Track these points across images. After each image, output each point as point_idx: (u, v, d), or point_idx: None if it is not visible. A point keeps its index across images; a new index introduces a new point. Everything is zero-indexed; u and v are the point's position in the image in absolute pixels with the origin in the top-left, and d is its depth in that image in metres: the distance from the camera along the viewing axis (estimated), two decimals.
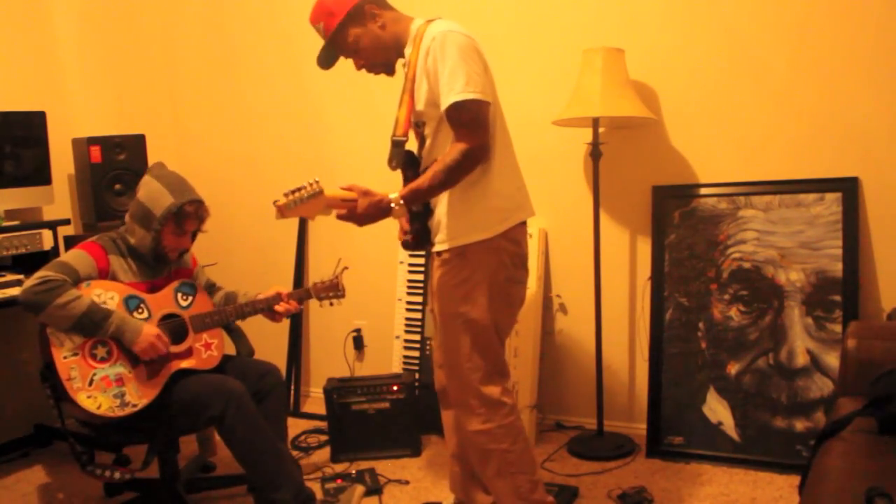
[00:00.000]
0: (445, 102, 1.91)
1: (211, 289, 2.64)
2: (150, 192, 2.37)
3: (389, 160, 2.07)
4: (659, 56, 2.90)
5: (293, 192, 1.85)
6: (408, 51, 2.06)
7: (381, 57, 2.09)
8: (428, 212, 2.12)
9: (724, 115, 2.84)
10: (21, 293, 2.20)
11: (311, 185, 1.85)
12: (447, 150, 1.95)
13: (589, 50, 2.76)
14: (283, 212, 1.86)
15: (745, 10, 2.76)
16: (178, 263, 2.53)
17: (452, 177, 1.94)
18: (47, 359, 2.20)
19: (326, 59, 2.16)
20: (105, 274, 2.33)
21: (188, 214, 2.37)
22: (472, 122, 1.91)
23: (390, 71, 2.14)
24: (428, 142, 2.08)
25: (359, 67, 2.13)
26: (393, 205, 1.95)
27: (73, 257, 2.30)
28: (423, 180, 1.94)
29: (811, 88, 2.70)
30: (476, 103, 1.91)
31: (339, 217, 1.97)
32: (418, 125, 2.09)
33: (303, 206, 1.87)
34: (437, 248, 2.08)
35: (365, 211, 1.96)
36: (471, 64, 1.92)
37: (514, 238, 2.07)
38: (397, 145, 2.06)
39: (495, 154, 2.04)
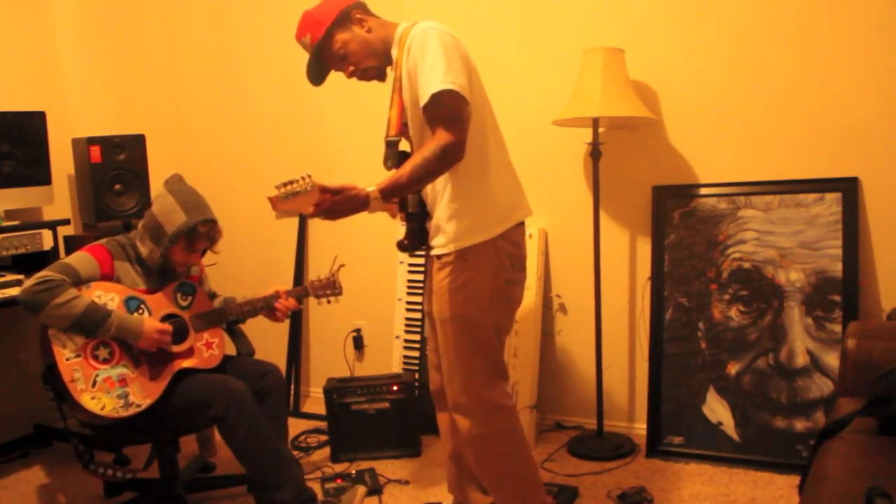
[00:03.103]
0: (425, 95, 1.88)
1: (210, 297, 2.64)
2: (164, 206, 2.36)
3: (385, 160, 2.07)
4: (659, 56, 2.90)
5: (284, 184, 1.83)
6: (394, 52, 2.06)
7: (371, 61, 2.08)
8: (425, 214, 2.12)
9: (724, 115, 2.84)
10: (20, 293, 2.21)
11: (303, 178, 1.84)
12: (426, 143, 1.93)
13: (589, 50, 2.76)
14: (274, 204, 1.84)
15: (745, 10, 2.76)
16: (186, 273, 2.53)
17: (430, 172, 1.91)
18: (49, 361, 2.20)
19: (316, 74, 2.15)
20: (109, 279, 2.33)
21: (200, 235, 2.37)
22: (450, 117, 1.88)
23: (381, 76, 2.14)
24: (414, 142, 2.08)
25: (349, 75, 2.12)
26: (371, 197, 1.90)
27: (77, 259, 2.30)
28: (401, 174, 1.90)
29: (811, 88, 2.70)
30: (454, 96, 1.87)
31: (310, 215, 1.90)
32: (405, 125, 2.09)
33: (295, 200, 1.84)
34: (436, 251, 2.07)
35: (336, 205, 1.89)
36: (451, 59, 1.90)
37: (513, 239, 2.07)
38: (391, 145, 2.06)
39: (491, 156, 2.04)
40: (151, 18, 3.89)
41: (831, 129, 2.69)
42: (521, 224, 2.11)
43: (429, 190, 2.08)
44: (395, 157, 2.06)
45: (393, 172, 1.96)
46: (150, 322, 2.29)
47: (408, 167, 1.90)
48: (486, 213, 2.02)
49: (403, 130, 2.08)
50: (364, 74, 2.11)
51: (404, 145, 2.09)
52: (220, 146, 3.87)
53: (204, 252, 2.48)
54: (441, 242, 2.05)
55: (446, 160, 1.90)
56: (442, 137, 1.88)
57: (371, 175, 2.05)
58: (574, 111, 2.73)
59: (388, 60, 2.10)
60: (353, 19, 2.07)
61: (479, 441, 2.07)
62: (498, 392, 2.07)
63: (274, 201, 1.83)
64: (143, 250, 2.40)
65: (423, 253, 2.21)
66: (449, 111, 1.88)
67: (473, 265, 2.01)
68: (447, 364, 2.09)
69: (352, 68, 2.10)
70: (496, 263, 2.03)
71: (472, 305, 2.02)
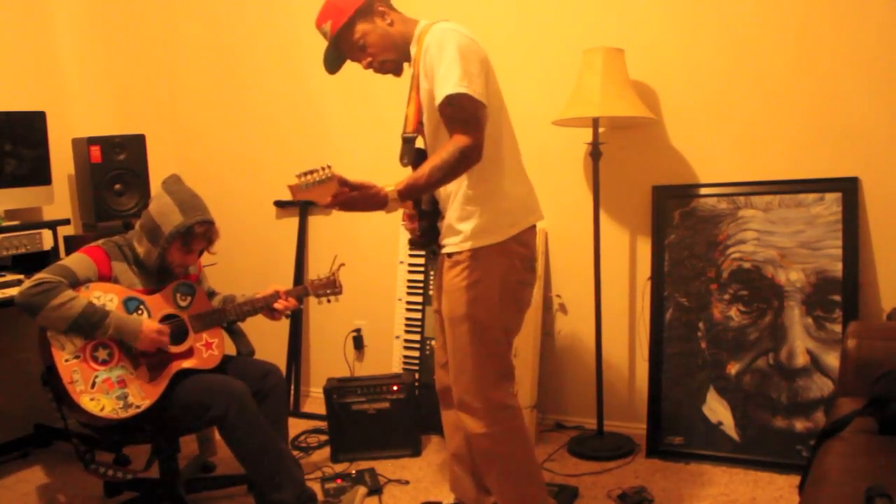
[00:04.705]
0: (440, 96, 1.90)
1: (210, 295, 2.64)
2: (161, 207, 2.36)
3: (401, 157, 2.07)
4: (659, 56, 2.90)
5: (305, 174, 1.86)
6: (413, 50, 2.06)
7: (390, 54, 2.08)
8: (437, 212, 2.12)
9: (724, 115, 2.84)
10: (17, 295, 2.20)
11: (323, 169, 1.86)
12: (443, 145, 1.93)
13: (589, 50, 2.76)
14: (294, 192, 1.87)
15: (745, 10, 2.76)
16: (184, 272, 2.53)
17: (448, 174, 1.92)
18: (48, 362, 2.20)
19: (333, 62, 2.15)
20: (106, 280, 2.33)
21: (197, 235, 2.36)
22: (468, 120, 1.89)
23: (398, 70, 2.13)
24: (428, 141, 2.08)
25: (366, 66, 2.11)
26: (390, 198, 1.93)
27: (74, 261, 2.30)
28: (419, 175, 1.92)
29: (811, 88, 2.70)
30: (470, 100, 1.88)
31: (327, 205, 1.92)
32: (422, 124, 2.09)
33: (314, 190, 1.87)
34: (448, 249, 2.07)
35: (354, 200, 1.93)
36: (468, 62, 1.90)
37: (525, 241, 2.07)
38: (407, 142, 2.07)
39: (505, 158, 2.05)
40: (151, 19, 3.89)
41: (831, 129, 2.69)
42: (533, 227, 2.12)
43: (441, 189, 2.08)
44: (410, 153, 2.06)
45: (410, 172, 1.97)
46: (149, 323, 2.29)
47: (426, 168, 1.91)
48: (499, 216, 2.02)
49: (419, 128, 2.09)
50: (381, 67, 2.10)
51: (420, 143, 2.10)
52: (220, 146, 3.87)
53: (201, 253, 2.48)
54: (453, 242, 2.05)
55: (465, 162, 1.90)
56: (460, 140, 1.89)
57: (370, 174, 2.06)
58: (574, 111, 2.73)
59: (407, 56, 2.10)
60: (376, 11, 2.07)
61: (483, 440, 2.07)
62: (504, 392, 2.08)
63: (293, 189, 1.87)
64: (140, 250, 2.39)
65: (423, 252, 2.21)
66: (466, 114, 1.89)
67: (484, 265, 2.01)
68: (455, 362, 2.09)
69: (369, 59, 2.09)
70: (507, 264, 2.03)
71: (482, 305, 2.02)
